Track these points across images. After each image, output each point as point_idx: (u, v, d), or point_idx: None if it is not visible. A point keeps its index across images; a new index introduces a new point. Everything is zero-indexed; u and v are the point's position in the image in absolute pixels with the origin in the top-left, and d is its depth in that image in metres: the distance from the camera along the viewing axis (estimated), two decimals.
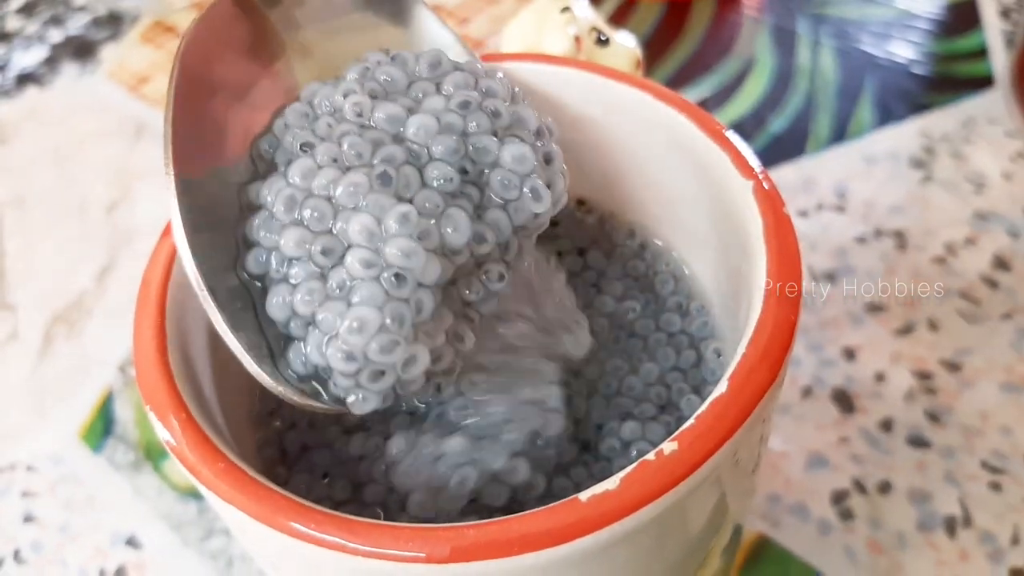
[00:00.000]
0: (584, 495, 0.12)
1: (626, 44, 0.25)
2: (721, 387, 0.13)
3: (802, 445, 0.28)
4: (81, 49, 0.46)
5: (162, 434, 0.14)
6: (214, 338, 0.17)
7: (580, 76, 0.19)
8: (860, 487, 0.27)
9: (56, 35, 0.47)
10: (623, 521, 0.12)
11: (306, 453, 0.18)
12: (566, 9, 0.24)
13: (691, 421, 0.13)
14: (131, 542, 0.28)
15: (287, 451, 0.18)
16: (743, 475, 0.16)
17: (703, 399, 0.18)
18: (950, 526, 0.26)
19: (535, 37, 0.24)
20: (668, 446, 0.13)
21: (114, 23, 0.48)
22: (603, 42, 0.24)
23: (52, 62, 0.46)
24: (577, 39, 0.24)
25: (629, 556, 0.13)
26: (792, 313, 0.14)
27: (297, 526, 0.13)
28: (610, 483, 0.12)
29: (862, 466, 0.27)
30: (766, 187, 0.16)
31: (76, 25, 0.48)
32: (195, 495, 0.28)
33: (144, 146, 0.41)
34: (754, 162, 0.16)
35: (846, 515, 0.26)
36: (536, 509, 0.12)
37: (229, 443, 0.14)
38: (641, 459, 0.13)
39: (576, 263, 0.21)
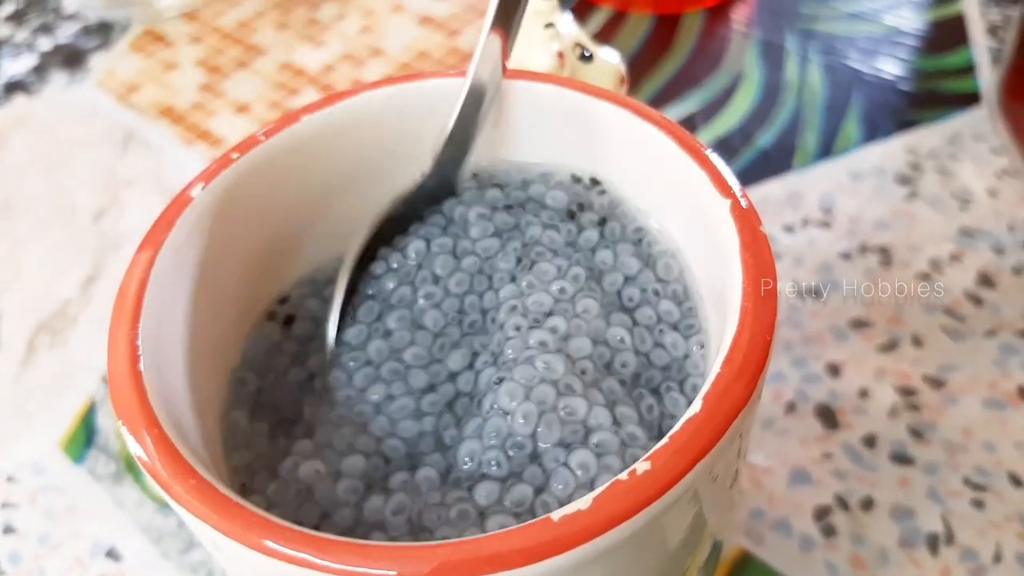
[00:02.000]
0: (556, 514, 0.12)
1: (610, 60, 0.25)
2: (695, 407, 0.13)
3: (785, 461, 0.28)
4: (70, 58, 0.46)
5: (135, 449, 0.14)
6: (190, 348, 0.17)
7: (561, 93, 0.19)
8: (843, 503, 0.27)
9: (45, 43, 0.47)
10: (595, 541, 0.12)
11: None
12: (550, 25, 0.24)
13: (665, 440, 0.13)
14: (111, 554, 0.27)
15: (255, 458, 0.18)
16: (720, 491, 0.15)
17: (687, 397, 0.18)
18: (932, 543, 0.26)
19: (519, 52, 0.24)
20: (641, 466, 0.13)
21: (104, 32, 0.48)
22: (587, 58, 0.24)
23: (41, 70, 0.46)
24: (561, 55, 0.24)
25: (604, 574, 0.13)
26: (767, 332, 0.14)
27: (268, 543, 0.13)
28: (582, 503, 0.12)
29: (845, 482, 0.27)
30: (743, 206, 0.16)
31: (66, 33, 0.48)
32: None
33: (132, 154, 0.41)
34: (732, 181, 0.16)
35: (829, 531, 0.26)
36: (508, 528, 0.12)
37: (202, 458, 0.14)
38: (614, 479, 0.12)
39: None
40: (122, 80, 0.45)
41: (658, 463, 0.13)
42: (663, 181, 0.18)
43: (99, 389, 0.32)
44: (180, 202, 0.17)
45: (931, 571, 0.25)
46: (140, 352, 0.15)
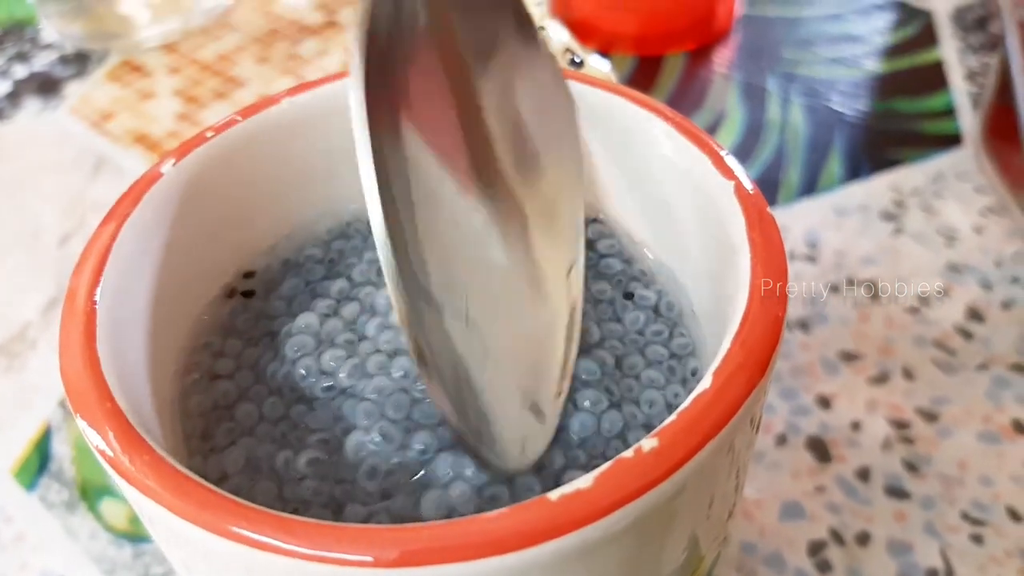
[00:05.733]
0: (554, 494, 0.11)
1: (600, 67, 0.24)
2: (705, 383, 0.12)
3: (777, 494, 0.27)
4: (45, 85, 0.45)
5: (91, 437, 0.13)
6: (150, 325, 0.15)
7: None
8: (838, 537, 0.25)
9: (20, 71, 0.47)
10: (597, 524, 0.11)
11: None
12: (540, 29, 0.24)
13: (672, 417, 0.12)
14: None
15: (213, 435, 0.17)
16: (725, 487, 0.14)
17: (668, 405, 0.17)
18: None
19: None
20: (648, 443, 0.11)
21: (81, 61, 0.47)
22: (576, 64, 0.24)
23: (14, 97, 0.45)
24: None
25: (599, 570, 0.12)
26: (779, 309, 0.13)
27: (231, 527, 0.11)
28: (583, 481, 0.11)
29: (839, 516, 0.26)
30: (748, 188, 0.15)
31: (42, 62, 0.47)
32: (131, 538, 0.26)
33: (102, 180, 0.39)
34: (735, 164, 0.16)
35: (824, 566, 0.25)
36: (500, 509, 0.11)
37: (159, 442, 0.13)
38: (618, 456, 0.11)
39: None
40: (97, 107, 0.44)
41: (665, 440, 0.11)
42: (662, 169, 0.17)
43: (56, 414, 0.30)
44: (149, 178, 0.16)
45: None
46: (97, 323, 0.13)
